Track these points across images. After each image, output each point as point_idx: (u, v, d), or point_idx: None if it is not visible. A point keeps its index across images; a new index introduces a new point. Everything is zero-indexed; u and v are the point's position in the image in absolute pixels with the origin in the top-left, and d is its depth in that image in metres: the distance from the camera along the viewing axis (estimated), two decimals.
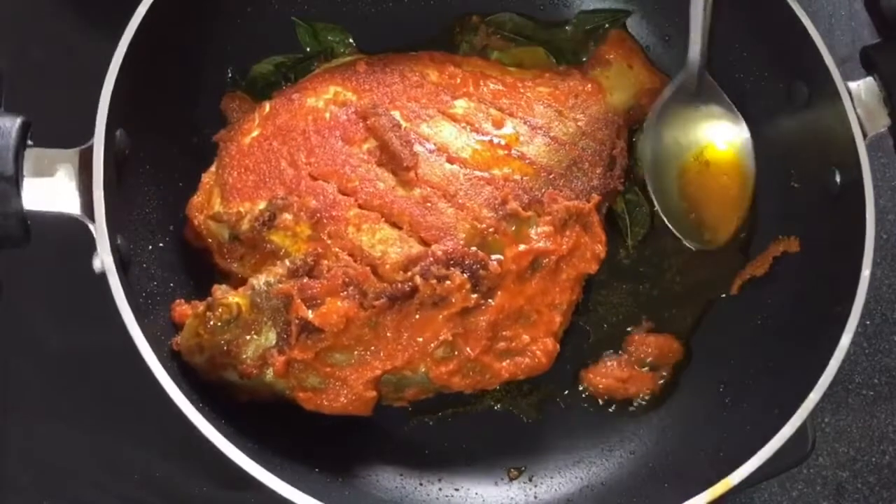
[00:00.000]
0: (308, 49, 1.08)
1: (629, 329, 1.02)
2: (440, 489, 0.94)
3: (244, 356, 0.88)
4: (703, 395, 0.98)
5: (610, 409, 0.99)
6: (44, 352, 1.03)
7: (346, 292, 0.88)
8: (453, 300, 0.89)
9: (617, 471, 0.96)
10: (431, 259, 0.90)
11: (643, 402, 0.99)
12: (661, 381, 1.00)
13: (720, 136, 1.02)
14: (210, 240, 0.96)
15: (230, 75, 1.05)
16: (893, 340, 1.12)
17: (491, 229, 0.92)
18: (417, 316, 0.89)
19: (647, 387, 1.00)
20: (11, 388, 1.02)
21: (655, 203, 1.02)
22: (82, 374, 1.01)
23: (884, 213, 1.18)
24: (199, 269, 0.97)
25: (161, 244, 0.96)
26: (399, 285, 0.88)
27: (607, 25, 1.11)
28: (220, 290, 0.90)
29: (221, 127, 1.02)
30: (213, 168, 0.98)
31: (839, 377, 1.09)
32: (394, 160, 0.94)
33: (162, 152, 0.97)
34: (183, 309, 0.92)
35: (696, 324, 1.02)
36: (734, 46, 1.05)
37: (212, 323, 0.88)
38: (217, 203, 0.95)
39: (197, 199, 0.97)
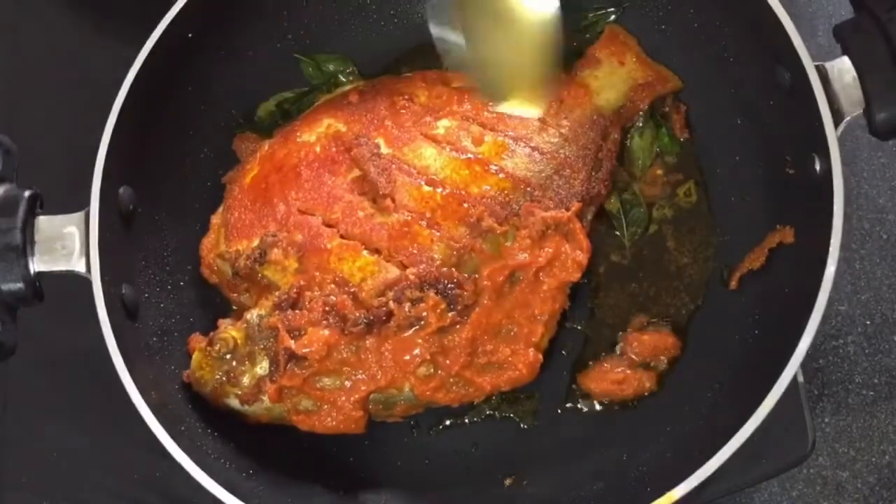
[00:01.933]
0: (313, 81, 1.14)
1: (626, 329, 1.02)
2: (437, 496, 0.98)
3: (242, 385, 0.96)
4: (698, 396, 0.96)
5: (606, 413, 1.00)
6: (44, 352, 1.05)
7: (327, 321, 0.94)
8: (429, 321, 0.93)
9: (615, 473, 0.96)
10: (405, 283, 0.94)
11: (639, 405, 0.99)
12: (658, 379, 0.99)
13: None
14: (220, 276, 1.05)
15: (237, 118, 1.12)
16: (893, 340, 1.08)
17: (467, 248, 0.96)
18: (396, 338, 0.94)
19: (643, 386, 0.99)
20: (11, 388, 1.05)
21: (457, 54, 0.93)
22: (82, 374, 1.04)
23: (884, 213, 1.12)
24: (217, 303, 1.05)
25: (181, 283, 1.05)
26: (375, 310, 0.94)
27: (601, 22, 1.10)
28: (224, 325, 0.99)
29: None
30: (220, 209, 1.06)
31: (839, 377, 1.07)
32: (373, 188, 0.99)
33: (176, 198, 1.06)
34: (196, 341, 1.01)
35: (691, 319, 1.01)
36: (723, 31, 1.02)
37: (212, 356, 0.97)
38: (222, 242, 1.03)
39: (207, 240, 1.05)
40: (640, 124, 1.07)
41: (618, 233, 1.05)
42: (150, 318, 0.99)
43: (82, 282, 0.92)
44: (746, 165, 1.02)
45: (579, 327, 1.03)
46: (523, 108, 1.00)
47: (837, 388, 1.05)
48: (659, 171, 1.06)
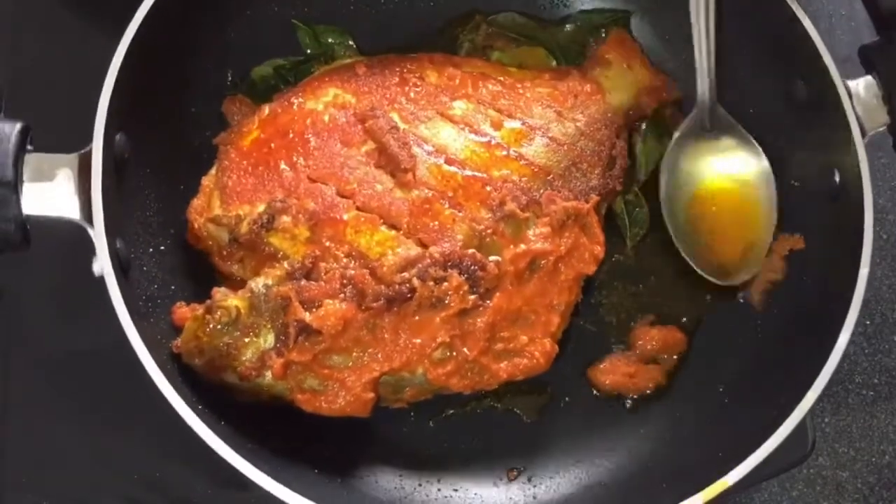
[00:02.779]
0: (308, 51, 1.09)
1: (631, 325, 1.02)
2: (439, 490, 0.94)
3: (243, 358, 0.88)
4: (703, 395, 0.98)
5: (610, 409, 0.99)
6: (44, 352, 1.03)
7: (343, 294, 0.88)
8: (451, 302, 0.89)
9: (616, 471, 0.96)
10: (429, 261, 0.90)
11: (644, 401, 0.99)
12: (667, 373, 1.00)
13: (734, 170, 1.02)
14: (210, 242, 0.96)
15: (230, 78, 1.05)
16: (893, 340, 1.12)
17: (489, 231, 0.93)
18: (415, 318, 0.89)
19: (653, 380, 1.00)
20: (11, 388, 1.01)
21: (672, 235, 1.01)
22: (82, 374, 1.01)
23: (884, 213, 1.17)
24: (201, 271, 0.97)
25: (162, 247, 0.96)
26: (397, 287, 0.89)
27: (607, 26, 1.11)
28: (220, 293, 0.91)
29: (223, 130, 1.02)
30: (212, 171, 0.98)
31: (839, 377, 1.11)
32: (392, 162, 0.94)
33: (163, 155, 0.98)
34: (183, 311, 0.92)
35: (697, 320, 1.02)
36: (735, 45, 1.04)
37: (211, 326, 0.88)
38: (217, 206, 0.95)
39: (197, 202, 0.97)
40: (644, 129, 1.08)
41: (620, 235, 1.06)
42: (135, 280, 0.90)
43: (83, 281, 0.84)
44: None
45: (583, 323, 1.02)
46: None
47: (837, 388, 1.08)
48: None
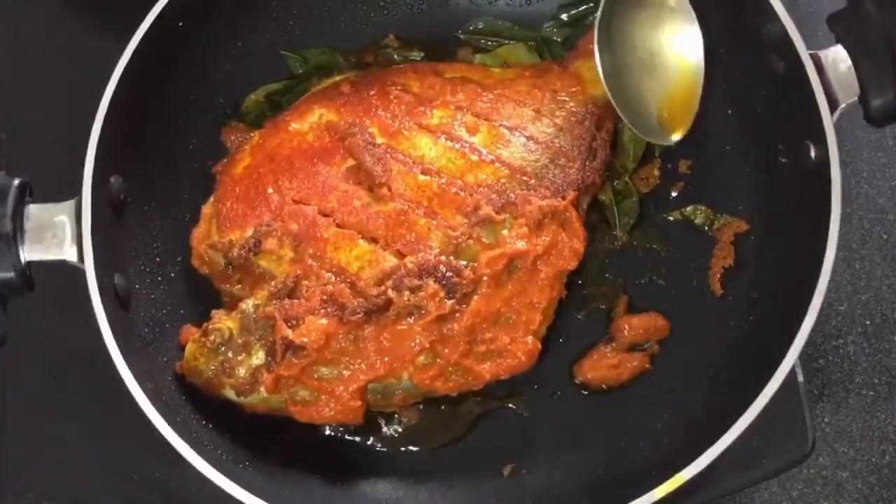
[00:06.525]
0: (302, 71, 1.13)
1: (618, 314, 1.02)
2: (436, 487, 0.97)
3: (238, 376, 0.94)
4: (688, 378, 0.97)
5: (603, 400, 1.00)
6: (44, 352, 1.05)
7: (325, 310, 0.93)
8: (428, 309, 0.93)
9: (605, 461, 0.96)
10: (404, 271, 0.94)
11: (632, 389, 0.99)
12: (651, 358, 1.00)
13: (668, 27, 1.00)
14: (211, 267, 1.03)
15: (226, 108, 1.10)
16: (893, 340, 1.09)
17: (464, 236, 0.96)
18: (395, 327, 0.93)
19: (638, 367, 1.00)
20: (11, 388, 1.03)
21: (611, 98, 0.98)
22: (82, 374, 1.02)
23: (883, 213, 1.14)
24: (209, 294, 1.03)
25: (172, 273, 1.04)
26: (374, 299, 0.93)
27: (591, 15, 1.11)
28: (217, 315, 0.98)
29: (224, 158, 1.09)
30: (211, 199, 1.05)
31: (839, 377, 1.09)
32: (368, 178, 0.98)
33: (167, 188, 1.05)
34: (188, 333, 0.99)
35: (683, 305, 1.02)
36: (714, 21, 1.02)
37: (207, 347, 0.95)
38: (214, 232, 1.02)
39: (198, 230, 1.03)
40: None
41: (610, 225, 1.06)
42: (141, 309, 0.98)
43: (80, 282, 0.90)
44: (738, 156, 1.03)
45: (576, 315, 1.03)
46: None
47: (837, 388, 1.06)
48: (656, 172, 1.07)
